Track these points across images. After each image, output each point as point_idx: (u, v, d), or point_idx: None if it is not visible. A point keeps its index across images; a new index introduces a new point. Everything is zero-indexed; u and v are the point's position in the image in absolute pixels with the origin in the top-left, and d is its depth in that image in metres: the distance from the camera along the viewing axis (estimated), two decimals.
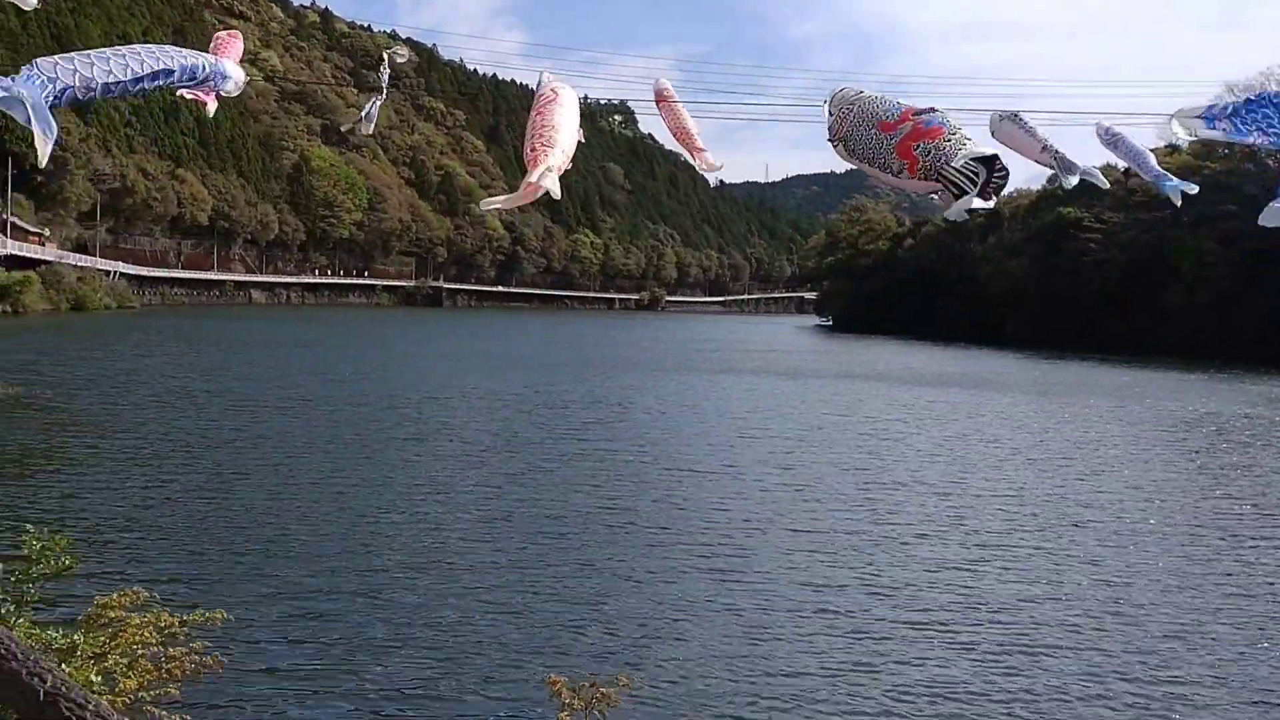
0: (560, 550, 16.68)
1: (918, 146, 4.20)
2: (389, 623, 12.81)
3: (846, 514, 20.00)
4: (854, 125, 4.42)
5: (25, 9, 5.85)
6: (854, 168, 4.79)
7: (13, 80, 3.42)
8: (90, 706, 2.84)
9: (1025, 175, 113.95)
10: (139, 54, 3.75)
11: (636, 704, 9.31)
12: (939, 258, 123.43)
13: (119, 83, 3.73)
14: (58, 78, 3.61)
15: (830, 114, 4.68)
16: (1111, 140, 4.80)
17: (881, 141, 4.38)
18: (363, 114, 7.57)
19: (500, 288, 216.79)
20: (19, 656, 3.23)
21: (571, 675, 6.89)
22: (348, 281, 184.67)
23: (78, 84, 3.65)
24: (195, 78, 4.07)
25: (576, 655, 11.74)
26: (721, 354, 74.41)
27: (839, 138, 4.62)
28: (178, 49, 4.04)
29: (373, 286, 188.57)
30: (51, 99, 3.56)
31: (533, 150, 4.53)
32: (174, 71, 3.91)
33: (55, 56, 3.68)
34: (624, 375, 52.69)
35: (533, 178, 4.23)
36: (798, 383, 51.37)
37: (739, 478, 23.67)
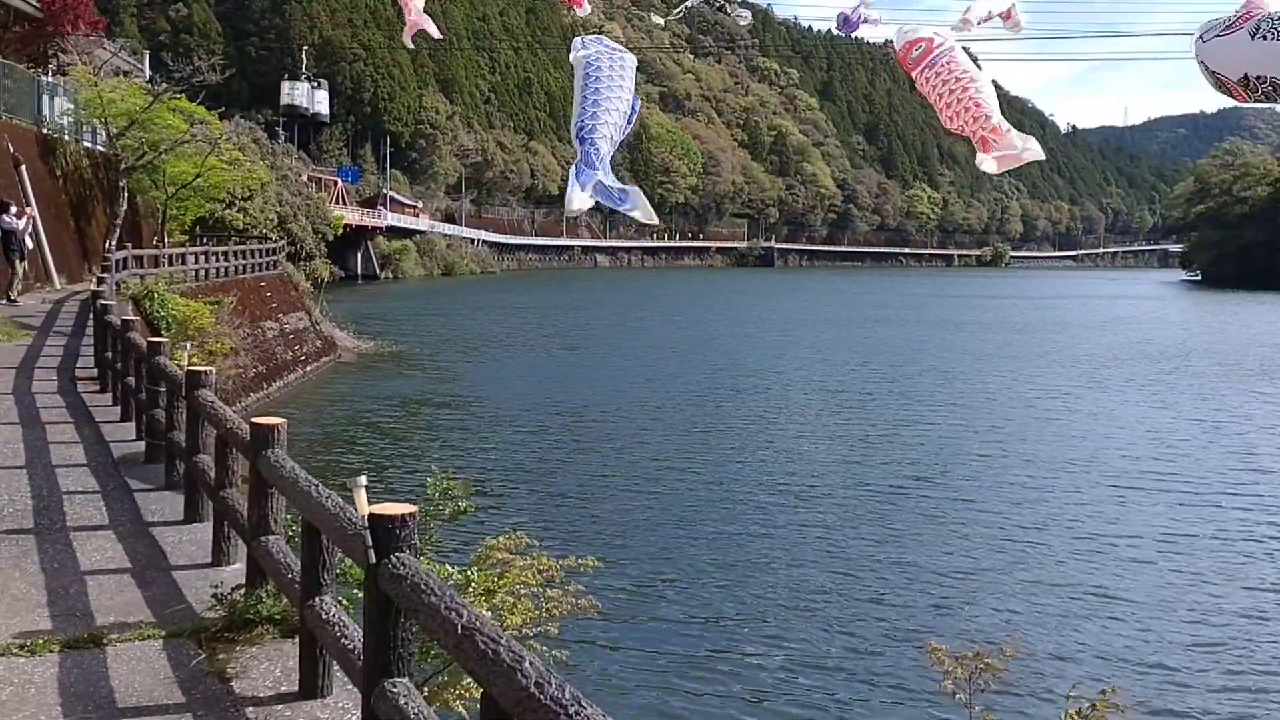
0: (931, 523, 16.38)
1: None
2: (758, 583, 13.11)
3: (1228, 515, 18.18)
4: None
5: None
6: (1227, 107, 4.27)
7: (594, 168, 4.12)
8: (503, 642, 3.08)
9: None
10: (622, 91, 4.32)
11: (1018, 675, 9.00)
12: None
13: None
14: (610, 147, 4.28)
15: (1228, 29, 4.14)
16: None
17: None
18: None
19: (831, 246, 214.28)
20: (437, 592, 3.58)
21: (949, 645, 6.77)
22: (683, 244, 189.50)
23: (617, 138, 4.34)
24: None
25: (951, 625, 11.52)
26: (1070, 327, 69.54)
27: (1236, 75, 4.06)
28: (626, 73, 4.56)
29: (706, 248, 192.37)
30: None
31: (979, 123, 4.47)
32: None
33: (599, 132, 4.34)
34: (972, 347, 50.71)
35: (1015, 146, 4.28)
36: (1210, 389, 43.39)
37: (1106, 468, 21.80)
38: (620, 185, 4.16)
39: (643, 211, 4.13)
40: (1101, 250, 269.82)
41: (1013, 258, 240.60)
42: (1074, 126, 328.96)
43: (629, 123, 4.62)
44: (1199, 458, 22.41)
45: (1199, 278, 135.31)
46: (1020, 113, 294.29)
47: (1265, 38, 3.78)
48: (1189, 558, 14.60)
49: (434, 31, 5.38)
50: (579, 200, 4.08)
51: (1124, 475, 20.37)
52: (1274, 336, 53.14)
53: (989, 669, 5.79)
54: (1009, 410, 28.43)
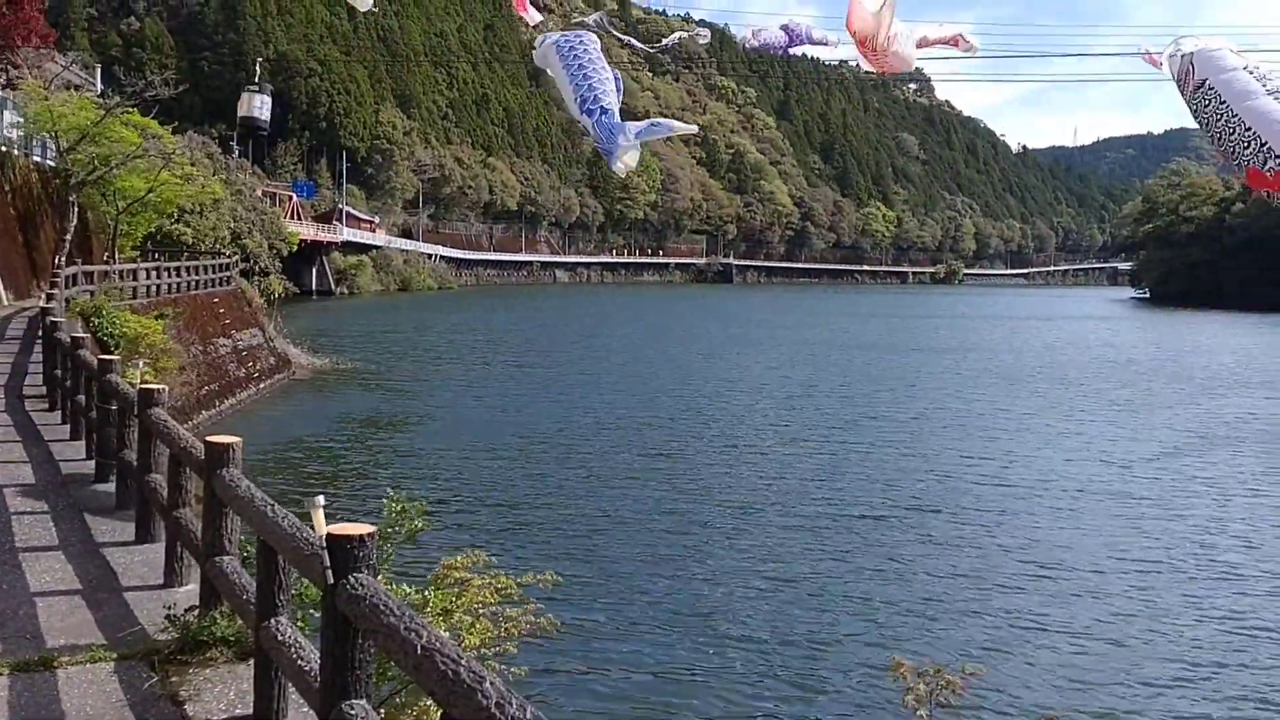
0: (889, 546, 16.44)
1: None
2: (716, 601, 13.09)
3: (1178, 537, 18.49)
4: (1225, 88, 4.06)
5: (359, 9, 6.45)
6: (1174, 128, 4.60)
7: (616, 124, 4.28)
8: (463, 662, 3.07)
9: None
10: (604, 67, 4.53)
11: (978, 689, 9.08)
12: (1275, 223, 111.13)
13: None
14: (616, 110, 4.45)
15: (1182, 58, 4.38)
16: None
17: (1247, 131, 4.05)
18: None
19: (789, 263, 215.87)
20: (396, 612, 3.56)
21: (909, 657, 6.83)
22: (642, 260, 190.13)
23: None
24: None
25: (908, 647, 11.58)
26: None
27: (1191, 83, 4.31)
28: (596, 49, 4.70)
29: (666, 265, 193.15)
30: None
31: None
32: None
33: (604, 100, 4.48)
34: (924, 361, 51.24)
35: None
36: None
37: (1071, 490, 22.01)
38: (638, 131, 4.36)
39: (667, 128, 4.40)
40: (1053, 268, 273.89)
41: (966, 275, 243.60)
42: (1025, 146, 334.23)
43: (618, 84, 4.77)
44: (1155, 479, 22.67)
45: (1147, 295, 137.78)
46: (973, 134, 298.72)
47: None
48: (1146, 581, 14.79)
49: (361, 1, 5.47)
50: (625, 161, 4.29)
51: (1083, 497, 20.54)
52: (1221, 355, 54.20)
53: (949, 685, 5.86)
54: (968, 434, 28.72)
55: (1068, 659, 11.48)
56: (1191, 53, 4.40)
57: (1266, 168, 4.07)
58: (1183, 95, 4.44)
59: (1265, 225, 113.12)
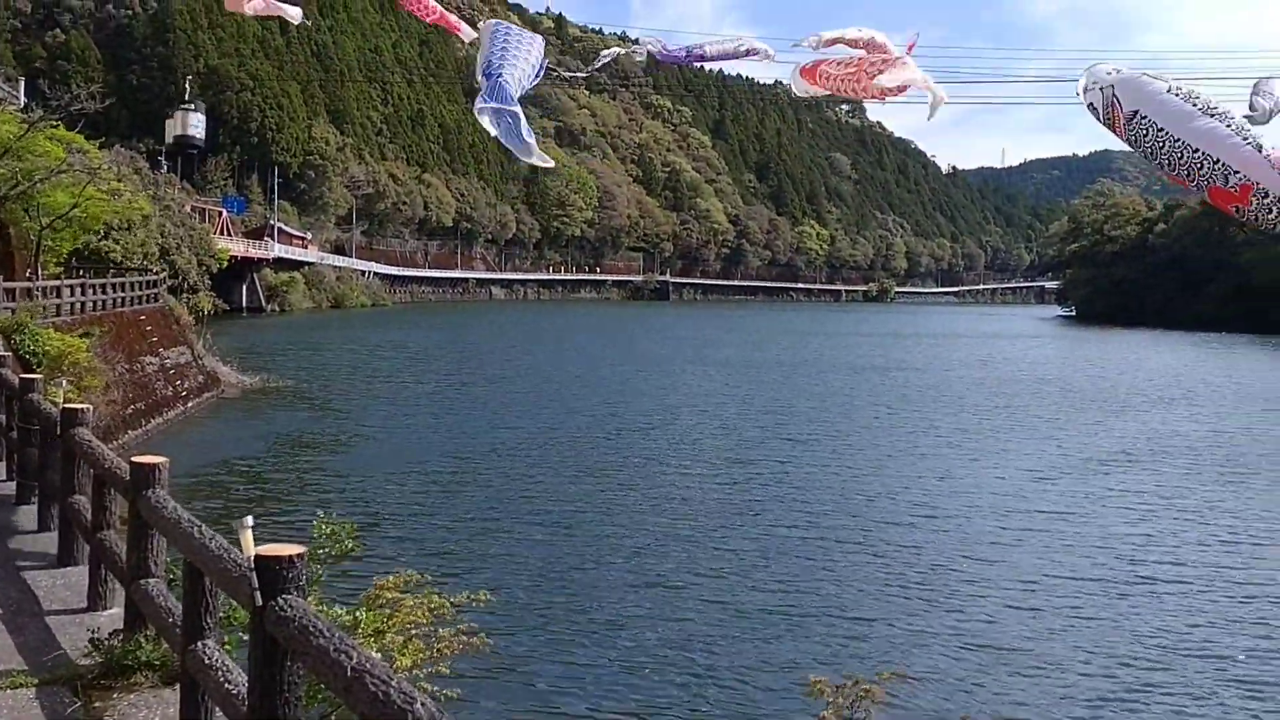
0: (815, 562, 16.59)
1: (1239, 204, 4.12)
2: (644, 620, 13.09)
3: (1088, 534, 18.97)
4: (1160, 116, 4.18)
5: (292, 23, 6.44)
6: (1098, 150, 4.67)
7: (501, 97, 4.28)
8: (393, 683, 3.07)
9: None
10: (530, 55, 4.55)
11: (900, 699, 9.20)
12: (1195, 243, 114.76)
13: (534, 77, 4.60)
14: (518, 91, 4.43)
15: (1102, 91, 4.47)
16: None
17: (1198, 157, 4.12)
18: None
19: (725, 281, 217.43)
20: (326, 634, 3.54)
21: (832, 675, 6.91)
22: (579, 277, 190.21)
23: (524, 89, 4.47)
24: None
25: (833, 661, 11.69)
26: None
27: (1122, 116, 4.37)
28: (534, 40, 4.76)
29: (603, 282, 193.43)
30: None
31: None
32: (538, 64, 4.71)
33: (505, 71, 4.49)
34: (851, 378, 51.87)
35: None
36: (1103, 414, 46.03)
37: (992, 508, 22.56)
38: (524, 132, 4.36)
39: (538, 157, 4.39)
40: (982, 286, 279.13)
41: (898, 293, 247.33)
42: (954, 167, 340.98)
43: (536, 75, 4.80)
44: (1082, 494, 23.10)
45: (1074, 313, 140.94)
46: (904, 155, 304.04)
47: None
48: (1070, 595, 15.09)
49: (292, 15, 5.45)
50: (481, 115, 4.32)
51: (1011, 515, 20.87)
52: (1146, 373, 55.63)
53: (869, 695, 5.96)
54: (899, 450, 29.12)
55: (992, 672, 11.66)
56: (1113, 85, 4.44)
57: (1230, 185, 4.12)
58: (1111, 129, 4.48)
59: (1186, 245, 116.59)
